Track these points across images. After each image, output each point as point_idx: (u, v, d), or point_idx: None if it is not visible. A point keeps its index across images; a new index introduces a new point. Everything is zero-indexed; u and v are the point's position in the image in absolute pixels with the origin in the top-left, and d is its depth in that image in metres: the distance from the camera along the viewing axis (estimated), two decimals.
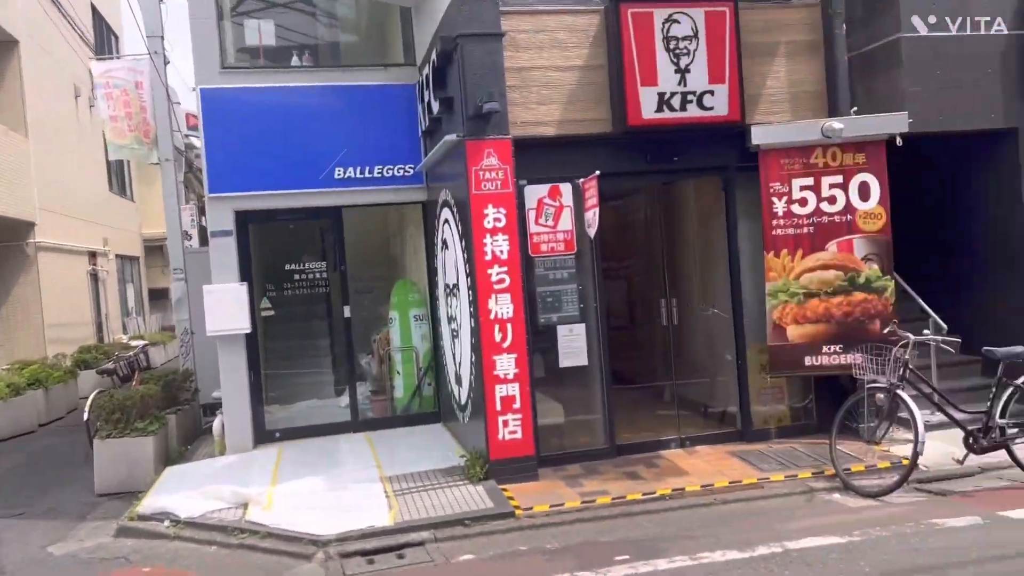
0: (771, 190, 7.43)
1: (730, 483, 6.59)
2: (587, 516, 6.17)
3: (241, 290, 8.57)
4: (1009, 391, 6.21)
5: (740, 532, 5.65)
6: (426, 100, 8.02)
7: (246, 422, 8.74)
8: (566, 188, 7.26)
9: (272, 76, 8.98)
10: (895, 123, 7.25)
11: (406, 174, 9.02)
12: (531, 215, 7.24)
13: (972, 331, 7.92)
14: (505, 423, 6.89)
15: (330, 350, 10.26)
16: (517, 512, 6.23)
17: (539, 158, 7.24)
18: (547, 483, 6.90)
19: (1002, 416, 6.21)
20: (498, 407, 6.87)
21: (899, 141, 7.28)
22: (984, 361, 8.41)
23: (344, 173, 8.88)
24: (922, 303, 7.79)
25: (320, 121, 8.85)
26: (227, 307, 8.49)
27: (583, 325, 7.40)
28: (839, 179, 7.39)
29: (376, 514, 6.30)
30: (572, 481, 6.93)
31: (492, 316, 6.87)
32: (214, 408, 9.23)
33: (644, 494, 6.46)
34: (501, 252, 6.87)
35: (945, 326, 7.44)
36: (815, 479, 6.63)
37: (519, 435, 6.91)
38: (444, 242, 8.17)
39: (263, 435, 9.02)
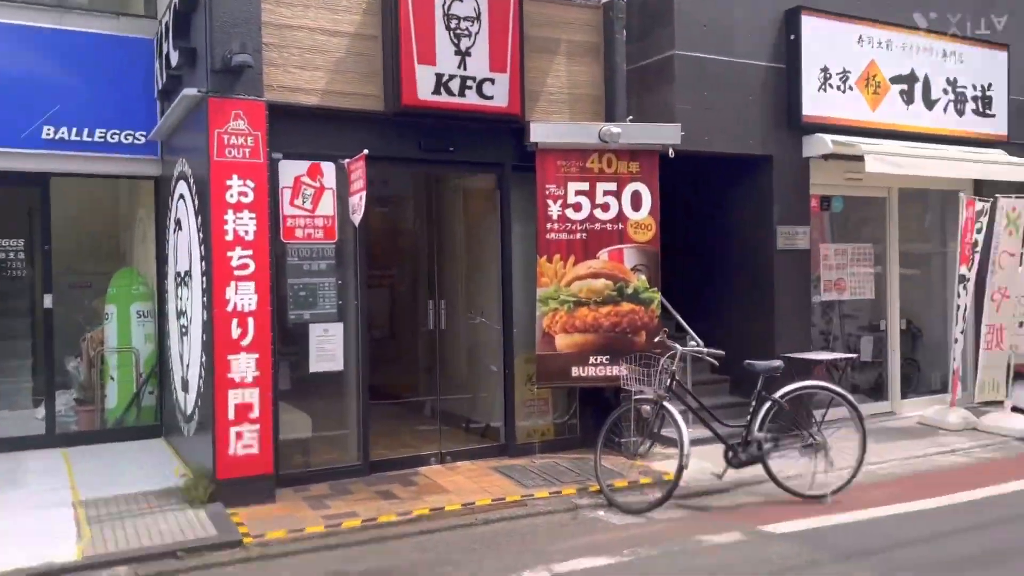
0: (547, 192, 7.07)
1: (493, 501, 6.02)
2: (332, 543, 5.29)
3: None
4: (767, 405, 6.24)
5: (504, 556, 5.07)
6: (164, 52, 6.80)
7: None
8: (329, 168, 6.40)
9: None
10: (669, 134, 7.21)
11: (137, 142, 7.65)
12: (286, 195, 6.28)
13: (725, 350, 8.08)
14: (239, 435, 5.82)
15: (32, 351, 8.49)
16: (246, 540, 5.21)
17: (299, 131, 6.33)
18: (287, 505, 5.92)
19: (760, 430, 6.21)
20: (231, 416, 5.80)
21: (671, 153, 7.24)
22: (733, 380, 8.69)
23: (55, 133, 7.34)
24: (680, 319, 7.81)
25: (28, 68, 7.26)
26: None
27: (340, 325, 6.53)
28: (613, 186, 7.20)
29: (60, 547, 4.98)
30: (317, 502, 6.00)
31: (230, 308, 5.81)
32: None
33: (399, 515, 5.70)
34: (246, 232, 5.85)
35: (701, 342, 7.45)
36: (580, 495, 6.26)
37: (255, 450, 5.87)
38: (177, 222, 6.94)
39: None
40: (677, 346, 6.39)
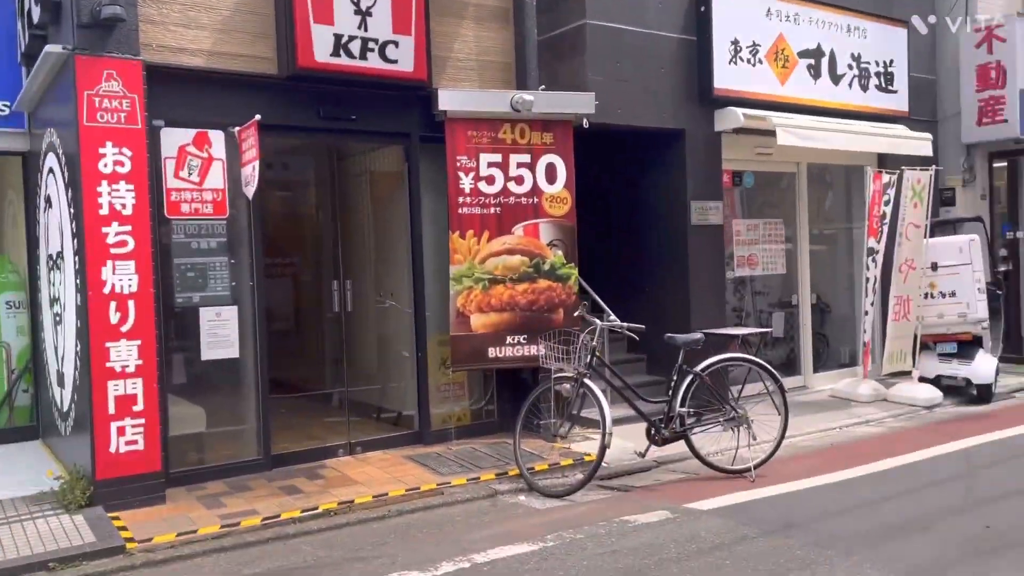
0: (458, 164, 6.70)
1: (407, 491, 5.63)
2: (228, 544, 4.80)
3: None
4: (689, 379, 6.05)
5: (420, 547, 4.70)
6: (26, 9, 6.09)
7: None
8: (217, 137, 5.86)
9: None
10: (583, 103, 6.94)
11: (0, 113, 6.88)
12: (169, 166, 5.71)
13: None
14: (121, 431, 5.24)
15: None
16: (129, 546, 4.66)
17: (184, 96, 5.76)
18: (178, 506, 5.38)
19: (682, 405, 6.02)
20: (111, 410, 5.21)
21: (586, 123, 6.98)
22: (650, 358, 8.55)
23: None
24: (596, 296, 7.58)
25: None
26: None
27: (234, 308, 6.00)
28: (527, 158, 6.89)
29: None
30: (212, 501, 5.48)
31: (107, 290, 5.21)
32: None
33: (304, 511, 5.24)
34: (123, 206, 5.26)
35: (617, 319, 7.22)
36: (499, 481, 5.93)
37: (140, 446, 5.30)
38: (47, 199, 6.25)
39: None
40: (597, 320, 6.14)
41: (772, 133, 8.25)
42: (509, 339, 6.82)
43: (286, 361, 9.36)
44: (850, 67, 9.23)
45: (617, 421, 6.97)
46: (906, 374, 8.87)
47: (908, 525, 4.84)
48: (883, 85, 9.57)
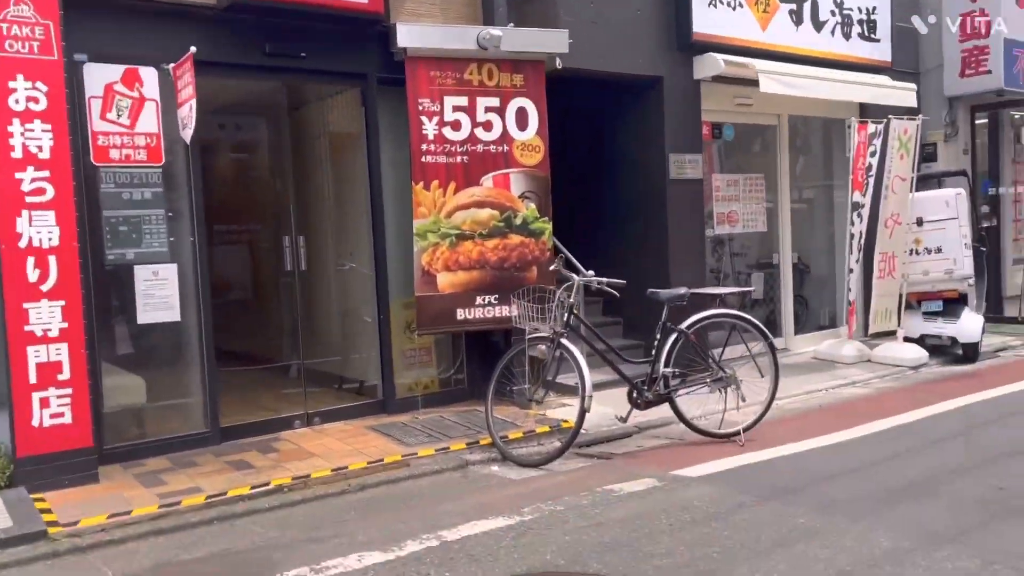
0: (420, 107, 6.14)
1: (369, 463, 5.13)
2: (167, 525, 4.28)
3: None
4: (673, 337, 5.61)
5: (384, 525, 4.21)
6: None
7: None
8: (150, 75, 5.25)
9: None
10: (556, 41, 6.41)
11: None
12: (95, 106, 5.09)
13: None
14: (44, 402, 4.67)
15: None
16: (52, 530, 4.12)
17: (110, 28, 5.15)
18: (113, 484, 4.84)
19: (667, 365, 5.58)
20: (32, 379, 4.63)
21: (559, 63, 6.47)
22: (626, 322, 8.12)
23: None
24: (568, 254, 7.09)
25: None
26: None
27: (174, 267, 5.42)
28: (496, 102, 6.35)
29: None
30: (152, 479, 4.95)
31: (23, 243, 4.61)
32: None
33: (254, 487, 4.73)
34: (39, 148, 4.64)
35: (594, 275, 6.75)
36: (470, 450, 5.47)
37: (68, 419, 4.73)
38: None
39: None
40: (575, 276, 5.66)
41: (752, 82, 7.80)
42: (479, 299, 6.33)
43: (243, 331, 8.84)
44: (833, 13, 8.78)
45: (596, 385, 6.57)
46: (890, 334, 8.55)
47: (914, 488, 4.47)
48: (866, 33, 9.14)
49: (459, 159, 6.25)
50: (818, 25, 8.66)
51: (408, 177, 6.22)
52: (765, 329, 5.86)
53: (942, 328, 8.51)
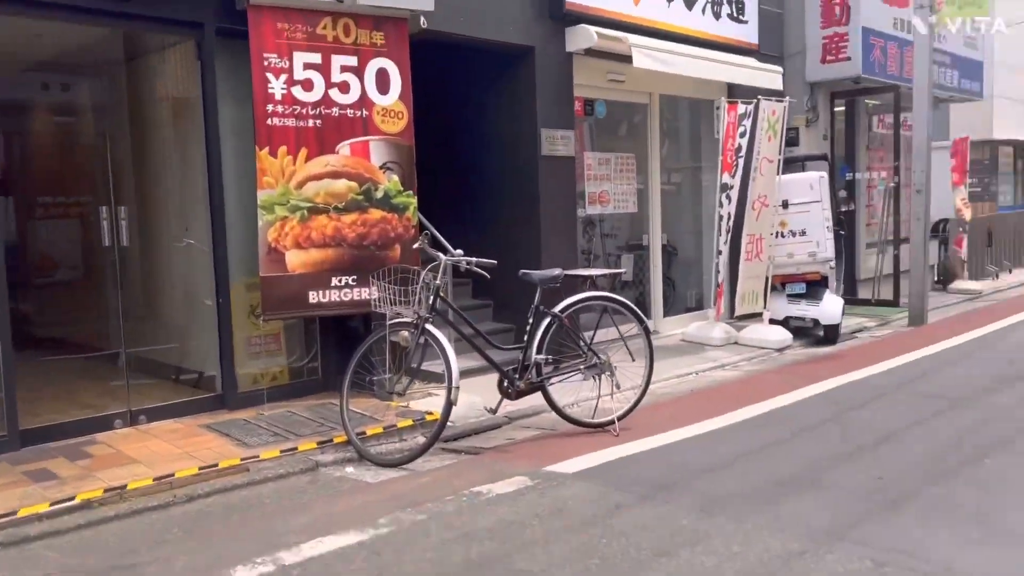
0: (266, 63, 5.42)
1: (201, 469, 4.44)
2: None
3: None
4: (547, 321, 5.21)
5: (212, 545, 3.58)
6: None
7: None
8: None
9: None
10: None
11: None
12: None
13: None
14: None
15: None
16: None
17: None
18: None
19: (539, 351, 5.18)
20: None
21: (424, 22, 5.91)
22: (496, 304, 7.71)
23: None
24: (435, 232, 6.59)
25: None
26: None
27: None
28: (354, 61, 5.72)
29: None
30: None
31: None
32: None
33: (55, 503, 3.96)
34: None
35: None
36: (322, 450, 4.88)
37: None
38: None
39: None
40: (441, 255, 5.14)
41: (625, 58, 7.55)
42: (335, 280, 5.71)
43: (68, 316, 7.84)
44: None
45: (464, 373, 6.13)
46: (756, 316, 8.56)
47: (795, 480, 4.27)
48: (735, 14, 9.08)
49: (311, 123, 5.58)
50: (689, 2, 8.50)
51: (252, 141, 5.50)
52: (641, 314, 5.56)
53: (805, 310, 8.59)
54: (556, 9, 7.34)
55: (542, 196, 7.37)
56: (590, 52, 7.67)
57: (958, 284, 12.22)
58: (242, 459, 4.62)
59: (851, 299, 10.38)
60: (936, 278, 12.29)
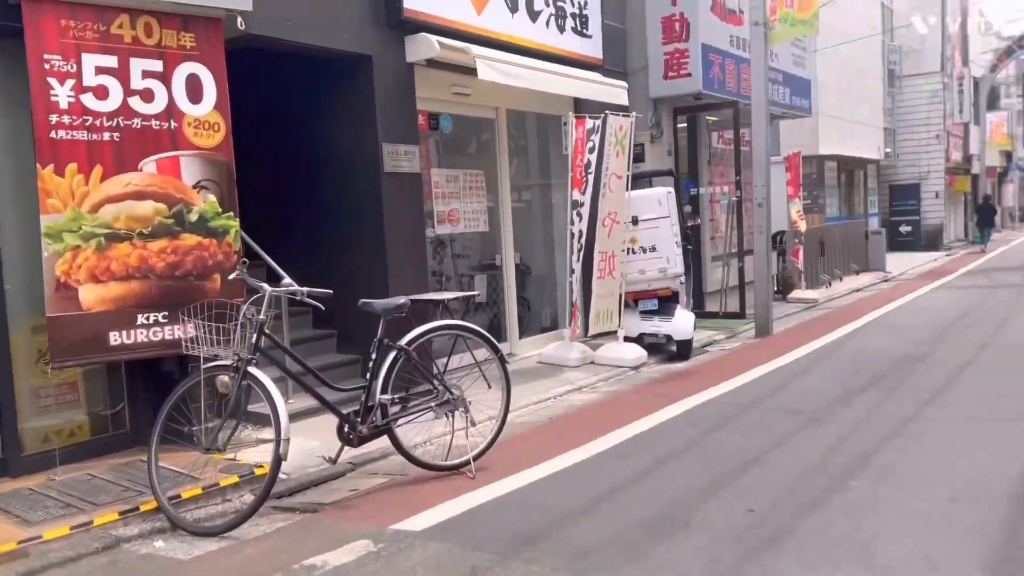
0: (47, 66, 4.60)
1: None
2: None
3: None
4: (392, 356, 4.66)
5: None
6: None
7: None
8: None
9: None
10: None
11: None
12: None
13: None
14: None
15: None
16: None
17: None
18: None
19: (384, 390, 4.63)
20: None
21: (241, 24, 5.26)
22: (341, 335, 7.09)
23: None
24: (265, 256, 5.95)
25: None
26: None
27: None
28: (158, 66, 4.98)
29: None
30: None
31: None
32: None
33: None
34: None
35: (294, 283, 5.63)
36: (124, 522, 4.11)
37: None
38: None
39: None
40: (265, 285, 4.49)
41: (470, 71, 7.18)
42: (141, 318, 4.92)
43: None
44: (547, 3, 8.44)
45: (301, 414, 5.53)
46: (611, 334, 8.38)
47: (665, 520, 3.94)
48: (579, 28, 8.94)
49: (108, 136, 4.80)
50: (533, 15, 8.26)
51: (32, 157, 4.65)
52: (495, 342, 5.12)
53: (658, 327, 8.51)
54: (394, 16, 6.87)
55: (387, 216, 6.85)
56: (433, 63, 7.26)
57: (797, 294, 12.69)
58: (20, 542, 3.79)
59: (700, 312, 10.47)
60: (776, 288, 12.70)
